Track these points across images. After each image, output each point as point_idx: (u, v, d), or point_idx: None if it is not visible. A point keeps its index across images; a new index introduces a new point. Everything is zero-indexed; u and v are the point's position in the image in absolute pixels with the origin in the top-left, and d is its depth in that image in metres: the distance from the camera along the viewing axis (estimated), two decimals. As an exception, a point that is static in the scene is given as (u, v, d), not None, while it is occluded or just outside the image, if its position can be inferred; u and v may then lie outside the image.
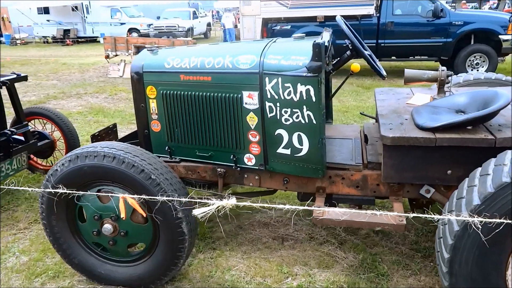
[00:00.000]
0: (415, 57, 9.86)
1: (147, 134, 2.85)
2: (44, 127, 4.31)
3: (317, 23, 9.69)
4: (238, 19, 16.21)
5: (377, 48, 9.58)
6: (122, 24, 21.97)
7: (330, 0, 9.54)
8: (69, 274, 2.73)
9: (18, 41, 22.21)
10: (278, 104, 2.35)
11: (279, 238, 3.11)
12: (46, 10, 22.63)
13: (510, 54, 9.49)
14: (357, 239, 3.06)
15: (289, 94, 2.29)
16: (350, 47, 2.64)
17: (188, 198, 2.12)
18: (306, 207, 1.88)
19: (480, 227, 1.79)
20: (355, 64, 2.79)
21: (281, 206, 1.74)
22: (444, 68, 2.68)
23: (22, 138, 3.85)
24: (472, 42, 9.13)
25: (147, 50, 2.88)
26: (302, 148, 2.39)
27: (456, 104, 2.50)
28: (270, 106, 2.39)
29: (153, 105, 2.75)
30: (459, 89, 3.09)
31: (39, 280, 2.70)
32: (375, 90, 3.31)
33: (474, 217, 1.80)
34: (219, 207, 1.49)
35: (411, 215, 1.87)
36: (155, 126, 2.81)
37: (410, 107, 2.70)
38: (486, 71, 9.02)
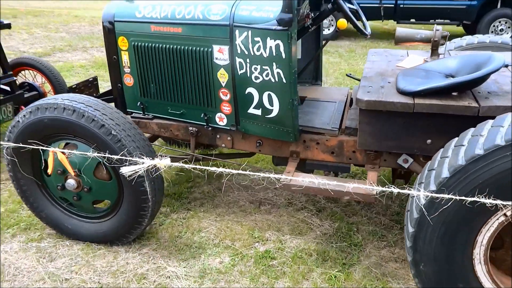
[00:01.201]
0: (436, 20, 9.29)
1: (120, 88, 2.73)
2: (35, 79, 4.24)
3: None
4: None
5: (396, 9, 9.05)
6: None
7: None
8: (40, 227, 2.71)
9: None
10: (248, 60, 2.18)
11: (256, 202, 3.02)
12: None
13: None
14: (337, 207, 2.95)
15: (258, 49, 2.11)
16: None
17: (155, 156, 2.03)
18: (266, 175, 1.75)
19: (447, 202, 1.65)
20: (342, 20, 2.55)
21: (230, 171, 1.62)
22: (440, 27, 2.43)
23: (8, 88, 3.78)
24: (499, 6, 8.52)
25: (123, -3, 2.70)
26: (272, 109, 2.24)
27: (447, 68, 2.28)
28: (240, 62, 2.21)
29: (125, 57, 2.61)
30: (459, 52, 2.83)
31: (10, 231, 2.70)
32: (369, 50, 3.08)
33: (441, 191, 1.66)
34: (150, 166, 1.38)
35: (379, 188, 1.72)
36: (128, 80, 2.68)
37: (399, 69, 2.49)
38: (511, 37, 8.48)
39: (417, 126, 2.07)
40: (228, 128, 2.47)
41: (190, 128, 2.59)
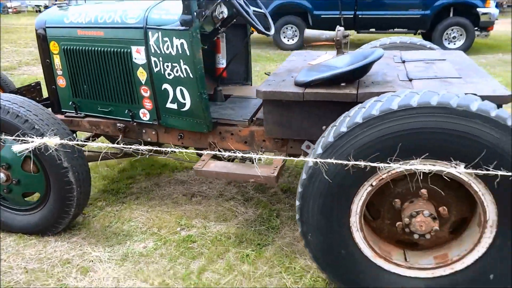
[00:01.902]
0: (395, 29, 9.74)
1: (54, 89, 2.92)
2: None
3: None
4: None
5: (355, 19, 9.47)
6: (114, -7, 21.65)
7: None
8: (-22, 221, 2.85)
9: (10, 10, 22.03)
10: (161, 59, 2.40)
11: (189, 195, 3.22)
12: (38, -22, 22.30)
13: (491, 29, 9.36)
14: (264, 197, 3.17)
15: (167, 48, 2.33)
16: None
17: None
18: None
19: (324, 176, 1.88)
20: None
21: (142, 151, 1.82)
22: (342, 28, 2.70)
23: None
24: (451, 15, 9.00)
25: (57, 6, 2.92)
26: (185, 103, 2.46)
27: (342, 63, 2.53)
28: (155, 61, 2.44)
29: (57, 60, 2.81)
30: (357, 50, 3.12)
31: (-51, 226, 2.83)
32: (292, 52, 3.34)
33: (316, 169, 1.89)
34: (40, 144, 1.57)
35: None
36: (61, 82, 2.87)
37: (308, 67, 2.74)
38: (463, 45, 8.94)
39: (312, 114, 2.30)
40: (151, 122, 2.68)
41: (118, 124, 2.78)
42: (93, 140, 3.16)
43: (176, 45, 2.29)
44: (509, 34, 11.10)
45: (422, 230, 1.92)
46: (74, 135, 2.86)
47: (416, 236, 1.97)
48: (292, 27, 9.95)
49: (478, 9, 8.70)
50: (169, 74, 2.42)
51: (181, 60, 2.32)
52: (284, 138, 2.48)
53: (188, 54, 2.27)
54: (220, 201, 3.11)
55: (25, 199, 2.67)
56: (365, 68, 2.24)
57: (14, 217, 2.68)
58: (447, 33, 9.00)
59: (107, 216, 2.93)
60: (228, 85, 3.28)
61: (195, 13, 2.19)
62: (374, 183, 1.90)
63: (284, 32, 10.02)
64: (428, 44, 3.23)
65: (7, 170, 2.52)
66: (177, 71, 2.37)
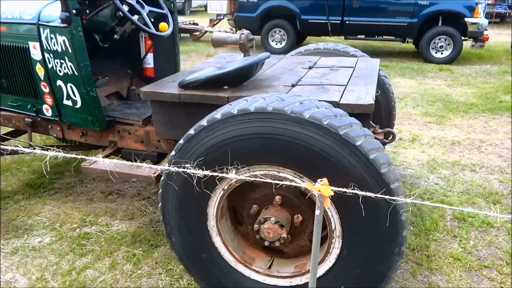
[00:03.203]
0: (383, 36, 9.64)
1: (-27, 82, 2.98)
2: None
3: (284, -4, 9.55)
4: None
5: (342, 25, 9.40)
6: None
7: (297, -27, 9.37)
8: None
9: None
10: (51, 55, 2.43)
11: (106, 192, 3.23)
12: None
13: (487, 39, 9.18)
14: (179, 198, 3.15)
15: (55, 45, 2.36)
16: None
17: None
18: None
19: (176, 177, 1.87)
20: (163, 24, 2.79)
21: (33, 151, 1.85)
22: (247, 31, 2.69)
23: None
24: (440, 24, 8.86)
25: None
26: (77, 100, 2.48)
27: (233, 65, 2.51)
28: (48, 57, 2.46)
29: (-28, 54, 2.86)
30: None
31: None
32: (220, 54, 3.33)
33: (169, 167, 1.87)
34: None
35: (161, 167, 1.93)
36: (-23, 75, 2.92)
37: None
38: (450, 54, 8.78)
39: (191, 116, 2.28)
40: (53, 118, 2.70)
41: (26, 119, 2.82)
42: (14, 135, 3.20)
43: (60, 42, 2.31)
44: (506, 45, 10.91)
45: (270, 237, 1.89)
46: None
47: (266, 243, 1.94)
48: (280, 31, 9.92)
49: (466, 19, 8.54)
50: (59, 71, 2.44)
51: (65, 57, 2.34)
52: (172, 139, 2.47)
53: (71, 51, 2.29)
54: (134, 200, 3.12)
55: None
56: (247, 70, 2.22)
57: None
58: (434, 42, 8.85)
59: (18, 209, 2.97)
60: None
61: (74, 11, 2.21)
62: (225, 187, 1.88)
63: (272, 36, 10.00)
64: (352, 51, 3.18)
65: None
66: (65, 68, 2.39)
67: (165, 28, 2.78)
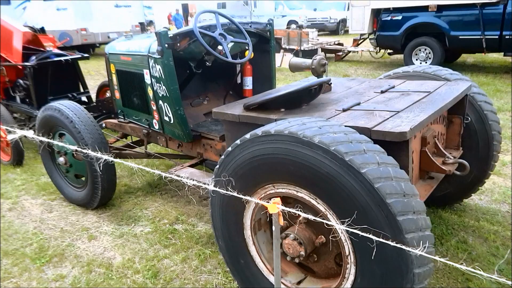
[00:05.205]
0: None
1: (114, 100, 3.84)
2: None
3: (430, 12, 8.99)
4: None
5: (501, 40, 8.30)
6: (283, 16, 23.57)
7: (446, -13, 8.71)
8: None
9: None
10: (155, 80, 3.00)
11: (203, 197, 3.71)
12: (223, 5, 26.00)
13: None
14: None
15: (155, 72, 2.91)
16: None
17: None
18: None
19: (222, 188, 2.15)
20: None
21: (135, 166, 2.47)
22: (319, 56, 2.80)
23: (86, 100, 5.33)
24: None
25: (124, 36, 3.83)
26: (170, 117, 2.99)
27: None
28: (153, 82, 3.05)
29: (114, 78, 3.71)
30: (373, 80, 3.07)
31: (42, 193, 4.02)
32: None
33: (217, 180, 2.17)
34: (22, 135, 2.35)
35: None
36: (117, 94, 3.76)
37: None
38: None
39: None
40: (159, 131, 3.30)
41: (143, 130, 3.50)
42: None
43: (158, 70, 2.86)
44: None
45: (290, 252, 1.99)
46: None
47: (288, 258, 2.03)
48: (426, 49, 9.33)
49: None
50: (159, 93, 2.99)
51: (161, 82, 2.87)
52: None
53: (164, 77, 2.80)
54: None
55: (78, 179, 3.61)
56: (295, 95, 2.35)
57: (72, 191, 3.66)
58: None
59: (135, 203, 3.67)
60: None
61: (166, 45, 2.71)
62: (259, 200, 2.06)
63: (416, 54, 9.47)
64: (446, 73, 2.92)
65: (64, 155, 3.49)
66: (162, 91, 2.93)
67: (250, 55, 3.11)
